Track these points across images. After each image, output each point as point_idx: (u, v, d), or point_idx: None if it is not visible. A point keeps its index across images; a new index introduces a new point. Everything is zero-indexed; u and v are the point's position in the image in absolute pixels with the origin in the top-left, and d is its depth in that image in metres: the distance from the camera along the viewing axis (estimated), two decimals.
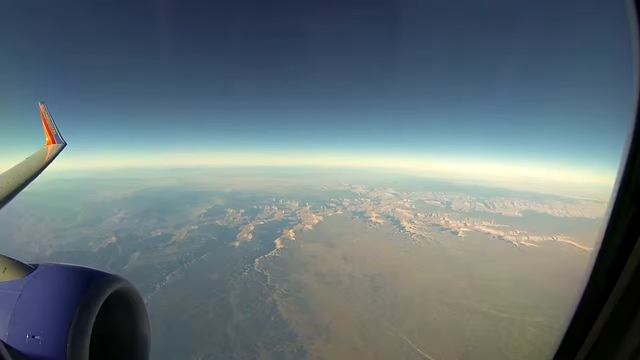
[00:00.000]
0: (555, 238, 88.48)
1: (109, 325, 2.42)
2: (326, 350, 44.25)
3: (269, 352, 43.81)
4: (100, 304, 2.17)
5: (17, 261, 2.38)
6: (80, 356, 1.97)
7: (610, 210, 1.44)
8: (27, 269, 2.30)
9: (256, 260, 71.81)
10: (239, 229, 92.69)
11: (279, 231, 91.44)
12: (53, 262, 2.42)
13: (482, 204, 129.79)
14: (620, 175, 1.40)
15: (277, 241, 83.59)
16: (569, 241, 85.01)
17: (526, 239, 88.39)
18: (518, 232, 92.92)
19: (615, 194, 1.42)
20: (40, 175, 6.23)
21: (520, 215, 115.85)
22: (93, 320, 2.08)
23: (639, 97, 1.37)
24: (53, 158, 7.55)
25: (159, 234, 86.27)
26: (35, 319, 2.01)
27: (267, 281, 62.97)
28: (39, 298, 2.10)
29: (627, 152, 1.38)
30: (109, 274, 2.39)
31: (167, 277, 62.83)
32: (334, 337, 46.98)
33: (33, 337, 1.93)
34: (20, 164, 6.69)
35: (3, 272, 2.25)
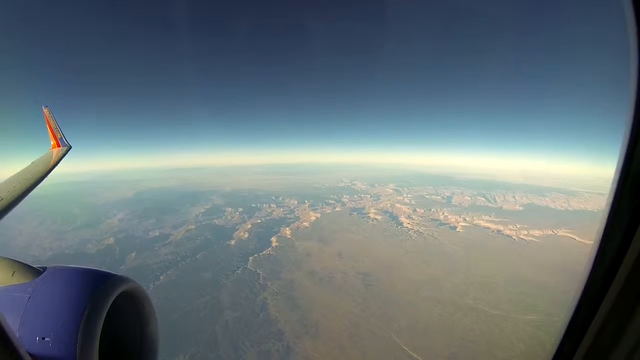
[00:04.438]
0: (555, 232, 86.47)
1: (117, 325, 2.45)
2: (313, 348, 44.16)
3: (255, 350, 43.96)
4: (109, 305, 2.18)
5: (26, 264, 2.40)
6: (89, 357, 1.97)
7: (609, 202, 1.43)
8: (36, 271, 2.33)
9: (250, 258, 72.08)
10: (236, 227, 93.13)
11: (275, 229, 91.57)
12: (61, 265, 2.43)
13: (483, 198, 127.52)
14: (620, 168, 1.40)
15: (273, 239, 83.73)
16: (570, 235, 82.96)
17: (526, 233, 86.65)
18: (518, 226, 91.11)
19: (614, 186, 1.42)
20: (45, 178, 6.31)
21: (521, 208, 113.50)
22: (102, 321, 2.08)
23: (637, 89, 1.36)
24: (58, 161, 7.58)
25: (157, 234, 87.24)
26: (44, 320, 2.02)
27: (259, 279, 63.15)
28: (48, 300, 2.13)
29: (625, 144, 1.37)
30: (116, 275, 2.40)
31: (162, 277, 63.58)
32: (322, 335, 46.83)
33: (43, 338, 1.95)
34: (26, 168, 6.78)
35: (12, 275, 2.28)
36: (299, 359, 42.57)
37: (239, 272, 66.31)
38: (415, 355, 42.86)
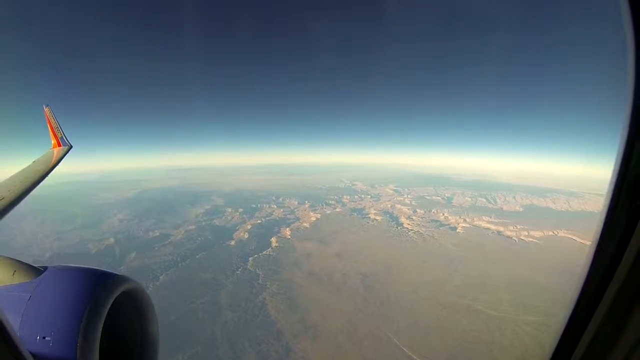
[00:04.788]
0: (556, 233, 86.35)
1: (118, 325, 2.47)
2: (312, 349, 44.04)
3: (254, 350, 43.89)
4: (109, 304, 2.19)
5: (26, 264, 2.40)
6: (90, 356, 1.98)
7: (607, 204, 1.42)
8: (37, 271, 2.33)
9: (250, 259, 72.00)
10: (237, 228, 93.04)
11: (275, 229, 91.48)
12: (62, 264, 2.43)
13: (484, 199, 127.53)
14: (617, 169, 1.39)
15: (273, 240, 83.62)
16: (570, 236, 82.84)
17: (526, 234, 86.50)
18: (518, 227, 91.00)
19: (611, 188, 1.41)
20: (46, 178, 6.32)
21: (522, 209, 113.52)
22: (102, 321, 2.10)
23: (634, 90, 1.35)
24: (59, 160, 7.60)
25: (157, 234, 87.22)
26: (45, 320, 2.03)
27: (259, 280, 63.05)
28: (49, 300, 2.13)
29: (622, 145, 1.37)
30: (117, 274, 2.41)
31: (161, 277, 63.55)
32: (321, 336, 46.72)
33: (44, 338, 1.95)
34: (26, 167, 6.80)
35: (13, 274, 2.28)
36: (298, 359, 42.50)
37: (238, 272, 66.27)
38: (414, 357, 42.74)
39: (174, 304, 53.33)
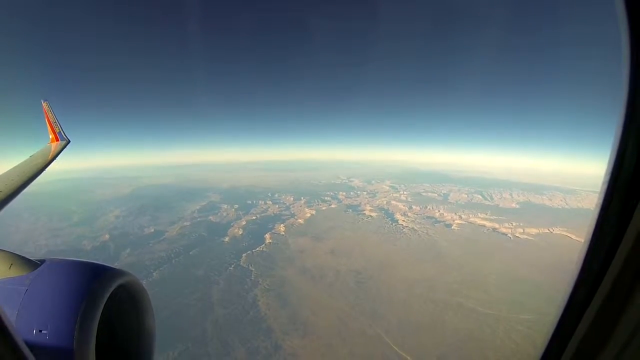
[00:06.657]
0: (551, 230, 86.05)
1: (115, 318, 2.48)
2: (300, 346, 44.08)
3: (243, 347, 43.94)
4: (106, 297, 2.19)
5: (23, 257, 2.41)
6: (86, 349, 2.00)
7: (600, 202, 1.42)
8: (33, 264, 2.34)
9: (243, 255, 72.01)
10: (231, 224, 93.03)
11: (270, 226, 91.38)
12: (59, 258, 2.44)
13: (480, 196, 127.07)
14: (611, 167, 1.39)
15: (267, 236, 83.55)
16: (566, 233, 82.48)
17: (521, 231, 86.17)
18: (514, 224, 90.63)
19: (605, 186, 1.41)
20: (43, 172, 6.33)
21: (518, 206, 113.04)
22: (99, 314, 2.11)
23: (628, 91, 1.35)
24: (57, 155, 7.61)
25: (152, 230, 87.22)
26: (42, 313, 2.04)
27: (251, 276, 63.08)
28: (46, 293, 2.14)
29: (616, 144, 1.37)
30: (114, 268, 2.41)
31: (155, 273, 63.63)
32: (311, 333, 46.71)
33: (40, 331, 1.97)
34: (24, 161, 6.83)
35: (9, 268, 2.28)
36: (287, 355, 42.53)
37: (231, 268, 66.27)
38: (404, 355, 42.66)
39: (165, 300, 53.35)
